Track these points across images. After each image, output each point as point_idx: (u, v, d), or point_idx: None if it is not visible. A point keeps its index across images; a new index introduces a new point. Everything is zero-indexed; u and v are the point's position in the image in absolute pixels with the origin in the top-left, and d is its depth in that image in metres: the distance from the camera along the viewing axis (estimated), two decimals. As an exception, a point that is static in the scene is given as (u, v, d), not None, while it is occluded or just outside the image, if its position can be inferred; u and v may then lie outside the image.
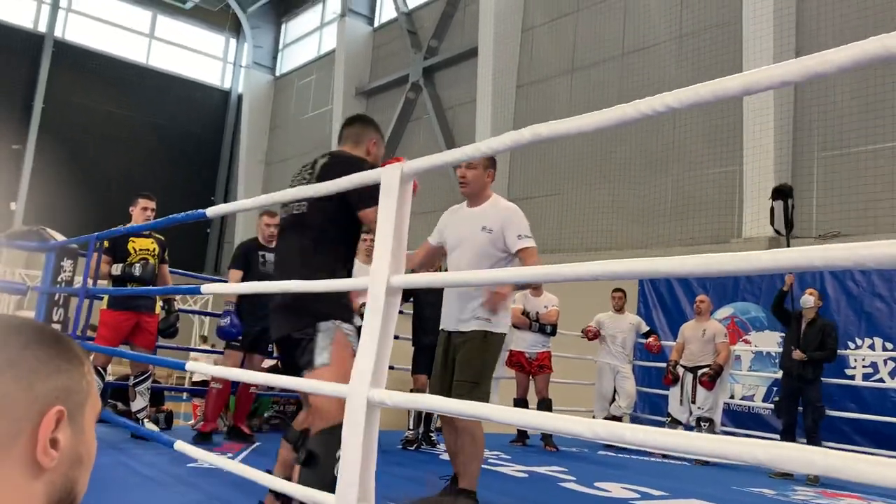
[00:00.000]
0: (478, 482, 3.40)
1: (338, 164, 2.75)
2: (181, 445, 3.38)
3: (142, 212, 5.23)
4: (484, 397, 3.37)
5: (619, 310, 7.56)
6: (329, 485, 2.13)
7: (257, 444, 5.33)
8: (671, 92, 1.50)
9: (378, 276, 2.00)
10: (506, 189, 12.05)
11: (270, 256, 5.51)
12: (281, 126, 20.36)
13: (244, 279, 5.26)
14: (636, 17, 11.03)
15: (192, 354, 9.56)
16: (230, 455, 4.43)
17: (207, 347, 11.87)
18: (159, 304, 5.41)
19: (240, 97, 21.58)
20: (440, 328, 3.67)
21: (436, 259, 3.94)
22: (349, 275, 2.80)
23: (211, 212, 3.41)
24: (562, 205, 11.15)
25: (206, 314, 13.43)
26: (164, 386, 8.06)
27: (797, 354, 6.24)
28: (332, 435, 2.33)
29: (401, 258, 2.07)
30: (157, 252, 5.32)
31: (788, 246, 6.49)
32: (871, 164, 8.13)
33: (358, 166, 2.64)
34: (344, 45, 17.08)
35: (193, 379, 9.08)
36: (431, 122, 14.53)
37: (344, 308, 2.71)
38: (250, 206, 3.21)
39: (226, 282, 6.09)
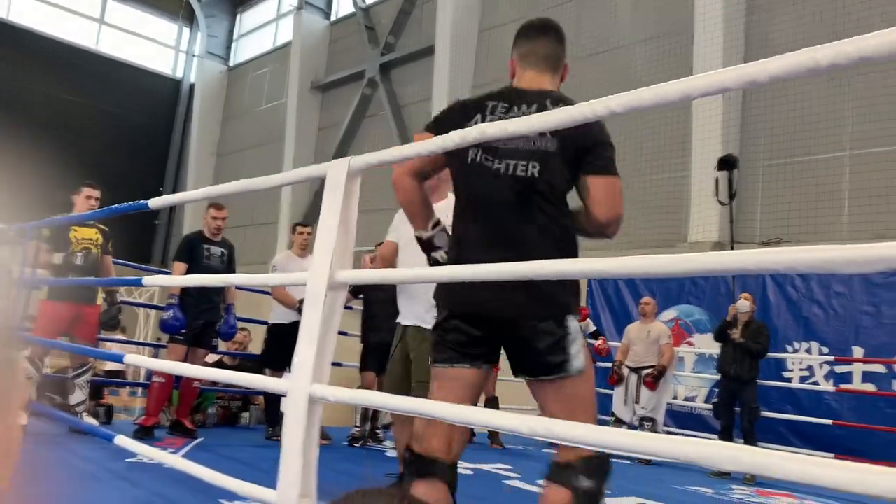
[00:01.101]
0: None
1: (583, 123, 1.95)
2: (122, 440, 3.31)
3: (85, 200, 5.09)
4: None
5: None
6: None
7: (200, 439, 5.25)
8: (615, 96, 1.52)
9: (320, 271, 1.98)
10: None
11: (216, 250, 5.43)
12: (234, 117, 20.06)
13: (188, 272, 5.18)
14: (592, 22, 11.17)
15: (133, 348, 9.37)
16: (172, 450, 4.35)
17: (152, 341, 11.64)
18: (101, 295, 5.28)
19: (192, 87, 21.19)
20: (397, 321, 3.64)
21: None
22: None
23: (154, 203, 3.34)
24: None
25: (151, 307, 13.15)
26: (105, 379, 7.87)
27: (735, 333, 6.43)
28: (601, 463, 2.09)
29: (347, 253, 2.06)
30: (100, 242, 5.18)
31: (732, 249, 6.67)
32: (813, 173, 8.39)
33: (598, 122, 1.97)
34: (300, 38, 16.90)
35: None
36: (387, 119, 14.48)
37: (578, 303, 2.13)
38: (197, 197, 3.16)
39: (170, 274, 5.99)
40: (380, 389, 5.69)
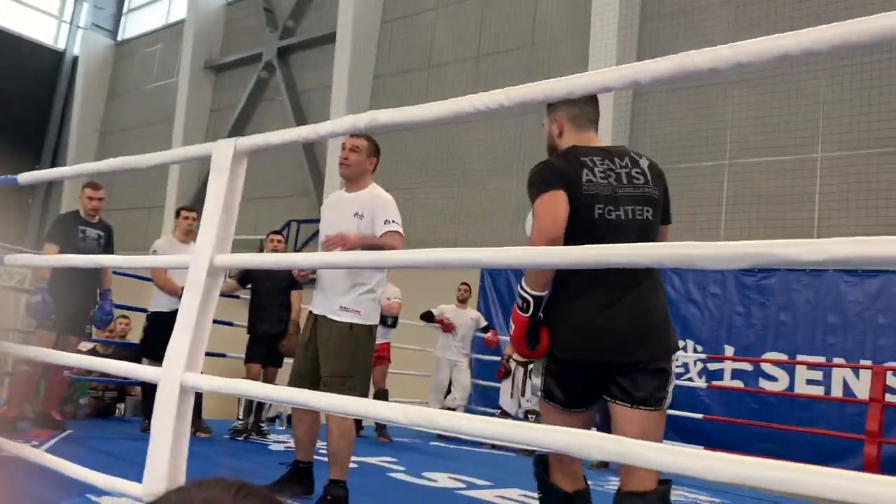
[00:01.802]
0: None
1: (661, 174, 2.37)
2: (-24, 432, 3.08)
3: None
4: (355, 391, 3.27)
5: (464, 302, 7.70)
6: None
7: (69, 431, 4.96)
8: (503, 90, 1.53)
9: (201, 255, 1.90)
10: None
11: (92, 231, 5.13)
12: (121, 95, 19.08)
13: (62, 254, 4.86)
14: (492, 22, 11.32)
15: None
16: (36, 443, 4.08)
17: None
18: None
19: (75, 60, 19.99)
20: (310, 310, 3.60)
21: None
22: None
23: (24, 178, 3.11)
24: (411, 202, 11.25)
25: (20, 290, 12.30)
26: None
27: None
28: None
29: (228, 237, 1.99)
30: None
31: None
32: (692, 179, 8.83)
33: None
34: (194, 15, 16.26)
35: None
36: (284, 105, 14.16)
37: None
38: (72, 173, 2.97)
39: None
40: (266, 381, 5.55)
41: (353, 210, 3.43)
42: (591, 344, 2.12)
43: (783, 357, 7.47)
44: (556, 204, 2.09)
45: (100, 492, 2.84)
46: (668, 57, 1.29)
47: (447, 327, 7.41)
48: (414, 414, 1.38)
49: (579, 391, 2.21)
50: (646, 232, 2.21)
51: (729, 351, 7.80)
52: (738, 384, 7.66)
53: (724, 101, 8.75)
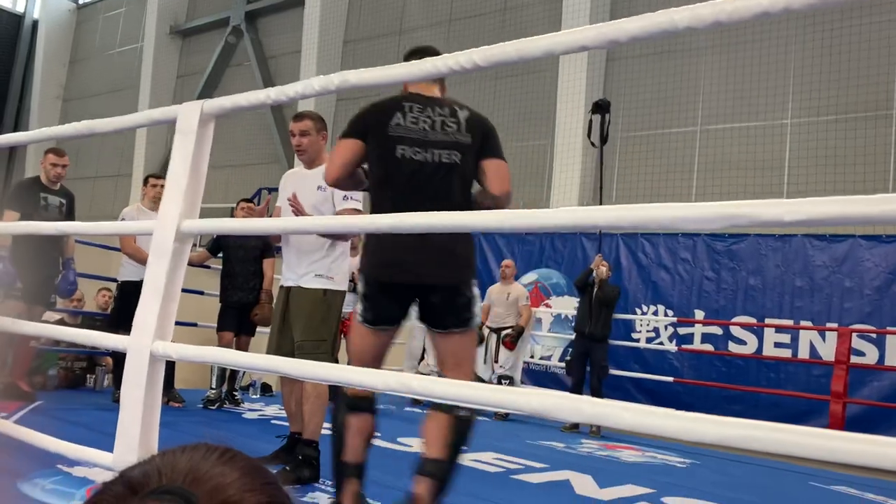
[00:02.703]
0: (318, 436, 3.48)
1: (482, 122, 2.58)
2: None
3: None
4: (328, 356, 3.40)
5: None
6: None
7: (39, 402, 4.89)
8: (478, 49, 1.50)
9: (167, 220, 1.86)
10: (328, 145, 11.83)
11: (54, 199, 4.99)
12: (83, 60, 18.56)
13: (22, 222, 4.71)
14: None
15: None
16: (4, 415, 4.02)
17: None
18: None
19: (35, 24, 19.37)
20: (280, 284, 3.63)
21: None
22: None
23: (-18, 143, 3.02)
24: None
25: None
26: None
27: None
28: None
29: (196, 203, 1.94)
30: None
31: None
32: (664, 146, 8.87)
33: (495, 131, 2.59)
34: (159, -22, 15.82)
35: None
36: (252, 70, 13.89)
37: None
38: (33, 139, 2.88)
39: None
40: (239, 350, 5.51)
41: (315, 184, 3.45)
42: (390, 269, 2.45)
43: (752, 321, 7.60)
44: (344, 151, 2.47)
45: (71, 462, 2.81)
46: (646, 15, 1.26)
47: None
48: (391, 380, 1.36)
49: (382, 312, 2.53)
50: (449, 172, 2.47)
51: (699, 315, 7.91)
52: (709, 347, 7.79)
53: (696, 68, 8.77)
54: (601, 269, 6.87)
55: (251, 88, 13.62)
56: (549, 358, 8.76)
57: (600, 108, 7.49)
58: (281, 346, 3.55)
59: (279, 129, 12.99)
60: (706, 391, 7.43)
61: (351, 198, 3.39)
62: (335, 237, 3.44)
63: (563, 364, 8.11)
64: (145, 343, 1.75)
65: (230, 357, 1.82)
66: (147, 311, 1.79)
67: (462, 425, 2.52)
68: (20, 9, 19.67)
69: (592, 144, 7.73)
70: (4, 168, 18.76)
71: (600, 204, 7.46)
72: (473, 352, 2.64)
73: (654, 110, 9.04)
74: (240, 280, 5.68)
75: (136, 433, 1.73)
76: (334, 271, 3.49)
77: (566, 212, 1.42)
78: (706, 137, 8.69)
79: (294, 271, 3.52)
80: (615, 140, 9.17)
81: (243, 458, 0.53)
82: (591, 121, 7.72)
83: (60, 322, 5.90)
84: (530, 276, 9.02)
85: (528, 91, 9.95)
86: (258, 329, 5.87)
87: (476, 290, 2.55)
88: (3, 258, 4.59)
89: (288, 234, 3.55)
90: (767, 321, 7.49)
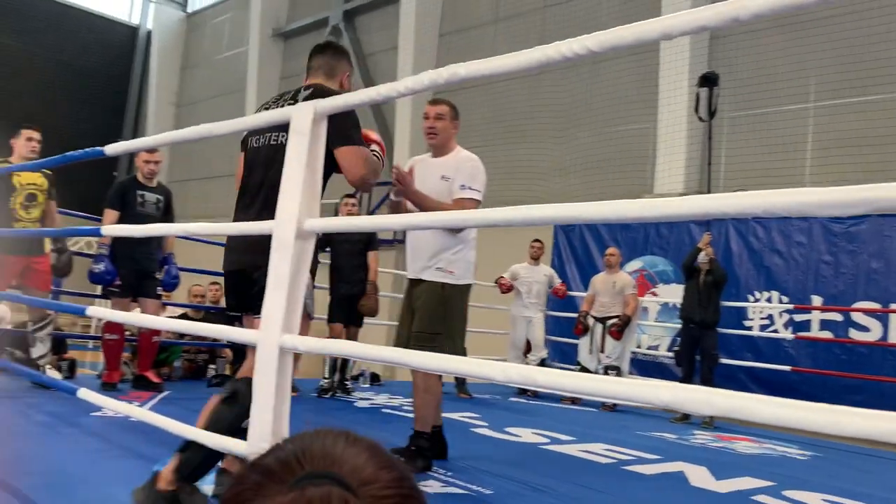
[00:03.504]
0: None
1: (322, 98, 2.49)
2: (85, 393, 3.25)
3: (26, 143, 4.90)
4: (444, 348, 3.28)
5: (536, 259, 7.67)
6: (235, 430, 2.13)
7: (167, 392, 5.20)
8: (592, 34, 1.48)
9: (286, 220, 1.93)
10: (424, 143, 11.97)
11: (151, 196, 5.24)
12: (193, 66, 19.48)
13: (121, 221, 4.97)
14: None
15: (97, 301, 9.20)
16: (137, 404, 4.30)
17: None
18: (50, 244, 5.12)
19: (149, 34, 20.48)
20: (407, 277, 3.65)
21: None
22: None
23: (110, 149, 3.22)
24: (480, 161, 11.16)
25: (83, 255, 12.82)
26: (67, 333, 7.74)
27: (708, 250, 6.59)
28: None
29: (314, 200, 2.01)
30: (46, 187, 5.01)
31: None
32: (776, 125, 8.46)
33: (343, 113, 2.48)
34: (260, -17, 16.38)
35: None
36: (352, 68, 14.20)
37: None
38: (154, 143, 3.05)
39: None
40: (349, 340, 5.68)
41: (440, 173, 3.44)
42: (225, 256, 2.58)
43: (876, 306, 7.16)
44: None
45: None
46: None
47: (505, 288, 7.46)
48: (512, 371, 1.37)
49: (230, 299, 2.59)
50: (274, 153, 2.47)
51: (817, 301, 7.52)
52: (828, 335, 7.40)
53: (806, 42, 8.29)
54: (708, 249, 6.66)
55: (351, 86, 13.89)
56: (656, 348, 8.56)
57: (708, 80, 7.24)
58: (400, 337, 3.59)
59: (378, 125, 13.23)
60: (824, 380, 7.06)
61: (469, 187, 3.34)
62: (451, 230, 3.37)
63: (671, 354, 7.90)
64: (274, 337, 1.83)
65: (351, 349, 1.88)
66: (273, 306, 1.87)
67: (224, 411, 2.32)
68: (136, 21, 20.82)
69: (700, 119, 7.48)
70: (126, 171, 19.94)
71: (709, 189, 7.20)
72: None
73: (763, 88, 8.63)
74: (347, 273, 5.85)
75: (268, 422, 1.81)
76: (455, 265, 3.45)
77: (697, 199, 1.37)
78: (820, 114, 8.23)
79: (416, 264, 3.52)
80: (721, 120, 8.83)
81: (365, 440, 0.55)
82: (697, 95, 7.48)
83: (184, 316, 6.25)
84: (635, 264, 8.83)
85: (627, 74, 9.70)
86: (366, 320, 6.04)
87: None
88: (104, 256, 4.88)
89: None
90: (893, 307, 7.04)
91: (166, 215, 5.28)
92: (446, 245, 3.43)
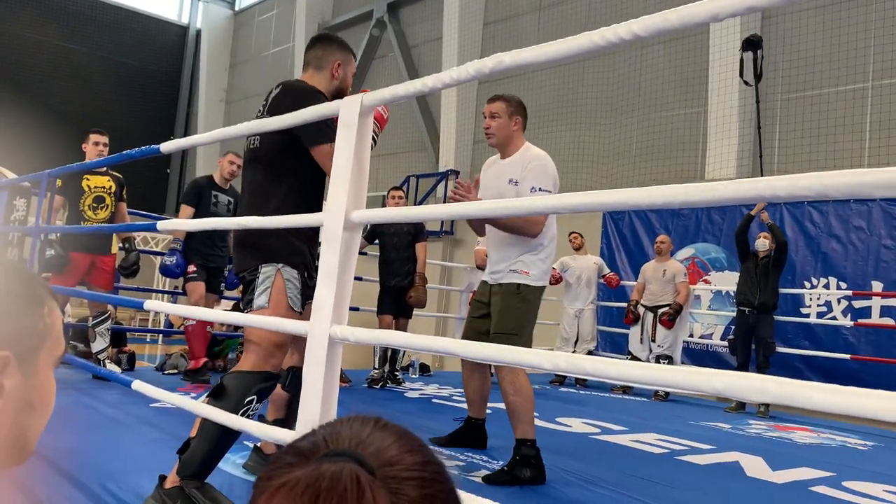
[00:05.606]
0: (532, 429, 3.37)
1: (287, 96, 2.56)
2: (139, 385, 3.34)
3: (94, 147, 5.11)
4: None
5: (579, 249, 7.64)
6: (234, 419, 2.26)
7: (220, 384, 5.32)
8: (637, 19, 1.46)
9: (335, 211, 1.95)
10: (472, 131, 11.97)
11: (223, 197, 5.41)
12: (242, 63, 19.80)
13: (195, 217, 5.13)
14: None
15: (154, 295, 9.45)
16: (193, 395, 4.41)
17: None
18: (118, 244, 5.31)
19: (198, 33, 20.87)
20: (482, 280, 3.62)
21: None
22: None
23: (166, 147, 3.29)
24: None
25: (154, 254, 13.19)
26: (126, 327, 7.97)
27: (764, 215, 6.46)
28: (248, 377, 2.44)
29: (361, 193, 2.03)
30: (113, 189, 5.19)
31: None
32: (830, 106, 8.20)
33: (310, 97, 2.45)
34: (305, -22, 16.53)
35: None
36: (397, 61, 14.24)
37: (292, 251, 2.56)
38: (206, 140, 3.11)
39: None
40: (398, 331, 5.73)
41: (508, 177, 3.35)
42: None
43: (941, 292, 6.92)
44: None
45: (254, 439, 3.04)
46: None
47: (554, 280, 7.39)
48: (560, 360, 1.37)
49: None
50: (254, 160, 2.63)
51: (877, 287, 7.29)
52: (889, 322, 7.17)
53: (863, 18, 8.01)
54: (763, 214, 6.52)
55: (396, 79, 14.09)
56: (709, 336, 8.41)
57: (752, 44, 7.07)
58: (470, 329, 3.57)
59: (424, 118, 13.25)
60: (886, 368, 6.85)
61: (539, 188, 3.23)
62: (518, 231, 3.29)
63: (725, 342, 7.76)
64: (324, 328, 1.86)
65: (402, 339, 1.90)
66: (323, 297, 1.90)
67: (214, 406, 2.37)
68: (185, 20, 21.25)
69: (746, 83, 7.32)
70: (179, 168, 20.40)
71: (761, 173, 7.02)
72: (257, 334, 2.47)
73: (817, 68, 8.37)
74: (395, 265, 5.89)
75: (316, 411, 1.84)
76: (531, 266, 3.37)
77: (734, 184, 1.34)
78: (878, 93, 7.95)
79: (494, 265, 3.47)
80: (775, 103, 8.60)
81: (395, 426, 0.58)
82: (741, 59, 7.34)
83: (236, 309, 6.37)
84: (686, 252, 8.68)
85: (676, 58, 9.51)
86: (415, 311, 6.08)
87: (262, 275, 2.52)
88: (177, 251, 5.07)
89: (489, 228, 3.47)
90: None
91: (236, 216, 5.47)
92: (528, 247, 3.36)
